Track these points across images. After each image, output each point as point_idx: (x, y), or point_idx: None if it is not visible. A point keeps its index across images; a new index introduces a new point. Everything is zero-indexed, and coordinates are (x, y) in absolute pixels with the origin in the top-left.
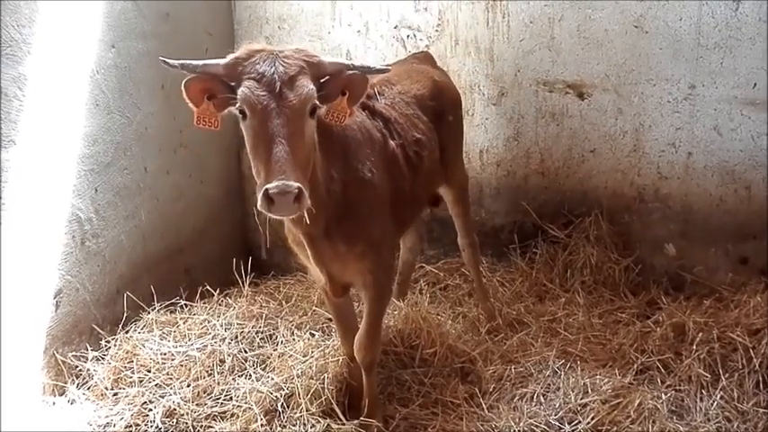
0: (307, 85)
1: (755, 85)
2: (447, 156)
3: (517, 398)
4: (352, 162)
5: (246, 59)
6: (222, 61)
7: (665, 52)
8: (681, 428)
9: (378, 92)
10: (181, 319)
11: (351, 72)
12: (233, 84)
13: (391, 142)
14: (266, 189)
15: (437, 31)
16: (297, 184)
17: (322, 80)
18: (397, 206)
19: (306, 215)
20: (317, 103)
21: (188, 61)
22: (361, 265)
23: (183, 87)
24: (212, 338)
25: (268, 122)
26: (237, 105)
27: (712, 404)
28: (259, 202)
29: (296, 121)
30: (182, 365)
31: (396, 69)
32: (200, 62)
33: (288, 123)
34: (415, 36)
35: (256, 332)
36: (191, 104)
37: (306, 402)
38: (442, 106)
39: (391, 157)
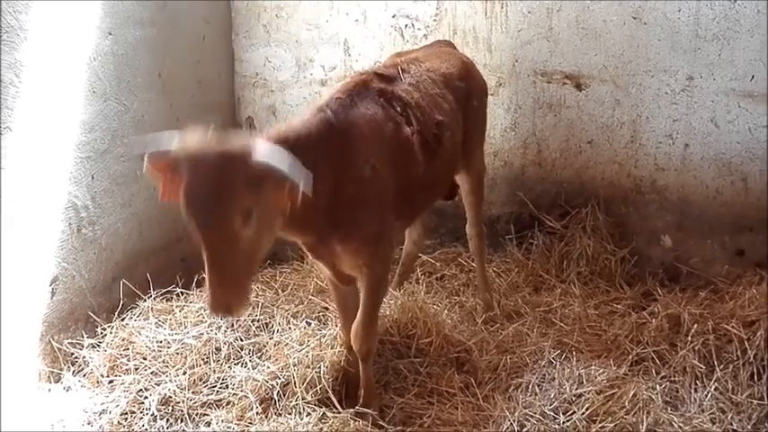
0: (233, 203)
1: (753, 77)
2: (469, 142)
3: (512, 388)
4: (351, 159)
5: (185, 159)
6: (170, 151)
7: (663, 44)
8: (675, 419)
9: (403, 69)
10: (177, 307)
11: (278, 174)
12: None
13: (406, 129)
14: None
15: (435, 20)
16: (223, 313)
17: (259, 176)
18: (408, 193)
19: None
20: (250, 207)
21: (144, 147)
22: (356, 259)
23: (145, 163)
24: (208, 326)
25: (199, 238)
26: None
27: (707, 395)
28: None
29: (225, 235)
30: (177, 353)
31: (424, 51)
32: (154, 145)
33: (215, 242)
34: (413, 25)
35: (252, 320)
36: (155, 179)
37: (302, 391)
38: (469, 89)
39: (404, 144)
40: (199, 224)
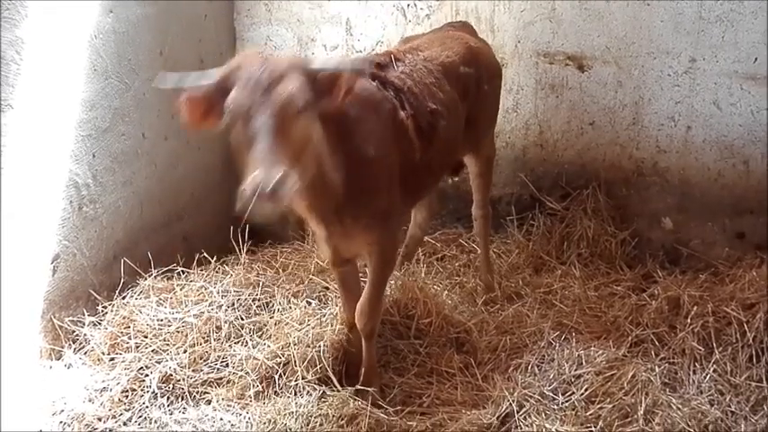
0: (292, 83)
1: (756, 59)
2: (478, 126)
3: (512, 368)
4: (353, 140)
5: (237, 69)
6: (216, 74)
7: (666, 25)
8: (674, 401)
9: (396, 58)
10: (178, 285)
11: (340, 69)
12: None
13: (401, 113)
14: (242, 189)
15: (438, 0)
16: (270, 190)
17: (313, 79)
18: (407, 176)
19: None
20: (307, 100)
21: (183, 80)
22: (368, 236)
23: (180, 103)
24: (209, 305)
25: (251, 123)
26: (227, 113)
27: (705, 377)
28: (237, 205)
29: (280, 119)
30: (178, 332)
31: (428, 36)
32: (195, 79)
33: (271, 121)
34: (415, 5)
35: (253, 300)
36: (187, 123)
37: (302, 370)
38: (478, 74)
39: (400, 127)
40: (255, 113)
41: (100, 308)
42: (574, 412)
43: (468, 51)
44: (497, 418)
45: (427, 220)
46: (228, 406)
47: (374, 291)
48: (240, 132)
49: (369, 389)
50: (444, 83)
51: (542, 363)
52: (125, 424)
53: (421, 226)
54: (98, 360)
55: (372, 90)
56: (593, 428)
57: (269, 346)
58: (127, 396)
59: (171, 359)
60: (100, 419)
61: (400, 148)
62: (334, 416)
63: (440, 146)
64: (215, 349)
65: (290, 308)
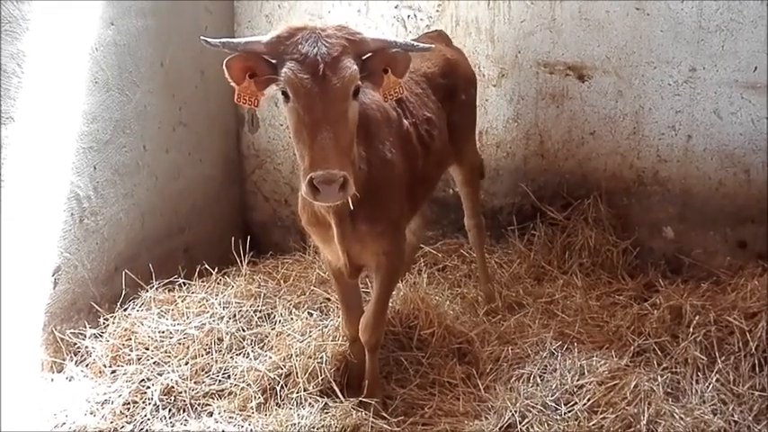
0: (350, 67)
1: (756, 68)
2: (459, 135)
3: (514, 379)
4: (374, 142)
5: (288, 38)
6: (263, 39)
7: (666, 35)
8: (676, 410)
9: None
10: (179, 297)
11: (393, 50)
12: (274, 62)
13: (405, 121)
14: (311, 177)
15: (438, 11)
16: (342, 173)
17: (364, 57)
18: (412, 185)
19: (350, 201)
20: (360, 83)
21: (229, 40)
22: (378, 245)
23: (224, 66)
24: (210, 317)
25: (312, 107)
26: (280, 86)
27: (708, 387)
28: (304, 190)
29: (340, 104)
30: (180, 343)
31: None
32: (242, 40)
33: (332, 108)
34: (415, 16)
35: (254, 311)
36: (232, 82)
37: (303, 381)
38: (454, 84)
39: (405, 135)
40: (313, 91)
41: (101, 320)
42: (576, 422)
43: (447, 63)
44: (500, 428)
45: (421, 227)
46: (230, 418)
47: (380, 304)
48: (300, 110)
49: (371, 400)
50: (430, 93)
51: (544, 373)
52: None
53: (415, 233)
54: (99, 372)
55: (379, 101)
56: None
57: (271, 358)
58: (128, 408)
59: (172, 371)
60: None
61: (407, 157)
62: (336, 427)
63: (435, 154)
64: (216, 361)
65: (292, 319)
